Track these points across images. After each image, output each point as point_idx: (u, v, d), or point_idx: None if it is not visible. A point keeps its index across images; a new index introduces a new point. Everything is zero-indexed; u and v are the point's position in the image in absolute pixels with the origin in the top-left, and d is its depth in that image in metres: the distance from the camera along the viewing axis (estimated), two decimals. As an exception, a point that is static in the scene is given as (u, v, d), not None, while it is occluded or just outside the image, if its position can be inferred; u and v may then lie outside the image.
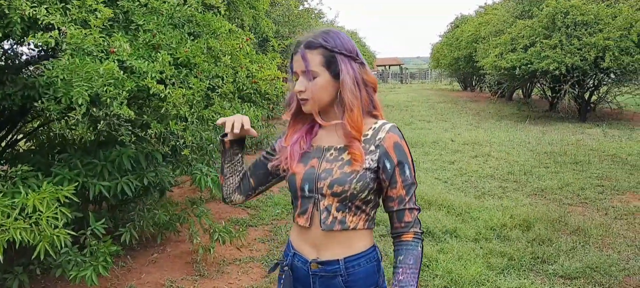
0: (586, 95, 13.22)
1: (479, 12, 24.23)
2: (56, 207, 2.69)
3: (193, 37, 3.42)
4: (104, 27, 2.97)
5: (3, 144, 4.06)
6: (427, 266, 3.77)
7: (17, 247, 2.52)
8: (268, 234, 4.56)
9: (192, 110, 3.06)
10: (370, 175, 1.40)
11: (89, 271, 3.07)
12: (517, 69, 12.48)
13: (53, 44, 2.50)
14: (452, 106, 18.03)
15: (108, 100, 2.68)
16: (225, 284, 3.62)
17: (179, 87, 3.02)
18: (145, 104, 3.51)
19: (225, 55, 3.25)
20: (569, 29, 12.15)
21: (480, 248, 4.17)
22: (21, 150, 4.35)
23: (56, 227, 2.69)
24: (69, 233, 2.75)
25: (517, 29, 13.44)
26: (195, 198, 5.39)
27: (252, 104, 3.73)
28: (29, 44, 3.62)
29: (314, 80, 1.39)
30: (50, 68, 2.62)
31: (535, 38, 12.63)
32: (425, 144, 9.53)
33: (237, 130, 1.44)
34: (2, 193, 2.63)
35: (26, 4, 2.56)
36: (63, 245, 2.77)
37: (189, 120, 3.04)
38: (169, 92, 2.88)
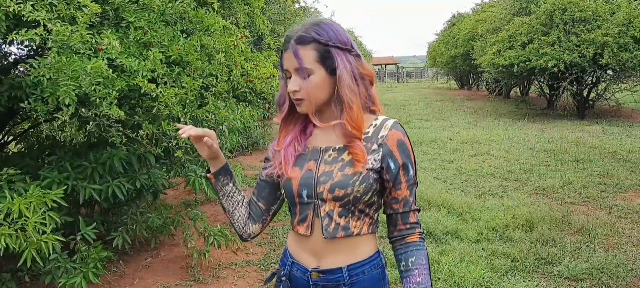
0: (585, 92, 13.15)
1: (475, 10, 24.16)
2: (43, 212, 2.58)
3: (186, 35, 3.31)
4: (92, 24, 2.86)
5: (-9, 146, 3.94)
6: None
7: (1, 253, 2.40)
8: (265, 237, 4.45)
9: (185, 110, 2.95)
10: (373, 176, 1.29)
11: (78, 278, 2.96)
12: (515, 66, 12.38)
13: (38, 41, 2.38)
14: (449, 104, 17.95)
15: (97, 100, 2.57)
16: (221, 289, 3.51)
17: (171, 86, 2.91)
18: (138, 104, 3.39)
19: (219, 53, 3.14)
20: (567, 26, 12.08)
21: (483, 249, 4.06)
22: (11, 153, 4.23)
23: (44, 232, 2.59)
24: (57, 239, 2.64)
25: (515, 26, 13.35)
26: (190, 200, 5.29)
27: (247, 104, 3.63)
28: (18, 43, 3.51)
29: (308, 78, 1.28)
30: (36, 67, 2.51)
31: (533, 35, 12.55)
32: (423, 143, 9.43)
33: (185, 135, 1.30)
34: (-15, 198, 2.52)
35: (11, 0, 2.44)
36: (51, 252, 2.66)
37: (181, 120, 2.92)
38: (160, 92, 2.78)
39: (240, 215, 1.47)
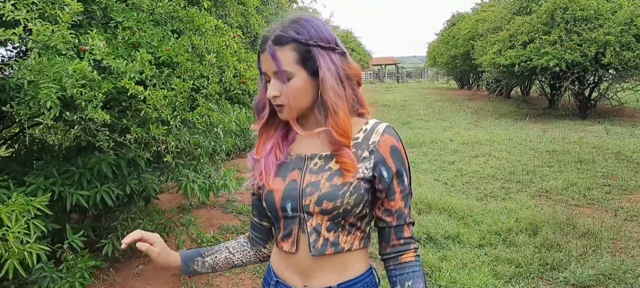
0: (587, 92, 13.02)
1: (475, 10, 24.02)
2: (26, 220, 2.46)
3: (177, 35, 3.19)
4: (78, 24, 2.75)
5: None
6: (429, 276, 3.54)
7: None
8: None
9: (175, 112, 2.83)
10: (364, 186, 1.17)
11: (64, 288, 2.83)
12: (516, 66, 12.26)
13: (16, 41, 2.27)
14: (449, 105, 17.82)
15: (82, 103, 2.45)
16: (215, 298, 3.39)
17: (161, 88, 2.79)
18: (130, 107, 3.27)
19: (210, 54, 3.01)
20: (569, 25, 11.96)
21: (486, 254, 3.94)
22: (1, 158, 4.11)
23: (27, 242, 2.47)
24: (42, 248, 2.53)
25: (516, 26, 13.23)
26: (185, 205, 5.17)
27: (240, 106, 3.51)
28: (6, 45, 3.41)
29: (288, 82, 1.15)
30: (17, 69, 2.40)
31: (534, 34, 12.42)
32: (423, 144, 9.31)
33: (124, 246, 1.22)
34: (-37, 207, 2.39)
35: (-10, 0, 2.33)
36: (35, 261, 2.54)
37: (171, 123, 2.80)
38: (148, 94, 2.66)
39: (241, 256, 1.38)
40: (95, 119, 2.51)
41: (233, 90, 3.26)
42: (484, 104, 17.53)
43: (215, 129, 3.58)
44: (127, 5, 3.03)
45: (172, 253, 1.31)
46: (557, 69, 11.59)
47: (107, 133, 2.80)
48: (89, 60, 2.45)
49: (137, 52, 2.72)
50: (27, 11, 2.38)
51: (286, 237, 1.22)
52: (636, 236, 4.27)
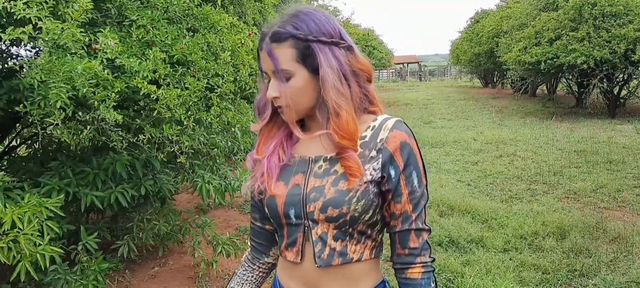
0: (616, 90, 12.64)
1: (500, 6, 23.61)
2: (37, 222, 2.43)
3: (192, 33, 3.13)
4: (92, 22, 2.71)
5: (-2, 151, 3.84)
6: (452, 282, 3.42)
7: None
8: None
9: (189, 112, 2.77)
10: (373, 189, 1.06)
11: (77, 291, 2.80)
12: (542, 63, 11.98)
13: (26, 40, 2.23)
14: (473, 103, 17.52)
15: (95, 102, 2.41)
16: (231, 301, 3.32)
17: (175, 87, 2.73)
18: (147, 106, 3.22)
19: (225, 52, 2.94)
20: (597, 21, 11.62)
21: (511, 260, 3.79)
22: (17, 157, 4.12)
23: (40, 244, 2.44)
24: (55, 250, 2.49)
25: (542, 22, 12.91)
26: (203, 205, 5.12)
27: (256, 105, 3.43)
28: (25, 44, 3.39)
29: (288, 82, 1.05)
30: (28, 68, 2.36)
31: (561, 31, 12.11)
32: (446, 144, 9.13)
33: None
34: (-26, 208, 2.37)
35: (2, -2, 2.29)
36: (48, 263, 2.51)
37: (185, 123, 2.74)
38: (162, 93, 2.60)
39: (250, 276, 1.32)
40: (108, 119, 2.46)
41: (248, 89, 3.19)
42: (508, 102, 17.18)
43: (233, 129, 3.51)
44: (141, 3, 2.98)
45: None
46: (585, 66, 11.27)
47: (121, 133, 2.75)
48: (102, 59, 2.40)
49: (150, 50, 2.66)
50: (39, 9, 2.34)
51: (290, 245, 1.13)
52: (671, 241, 4.06)
